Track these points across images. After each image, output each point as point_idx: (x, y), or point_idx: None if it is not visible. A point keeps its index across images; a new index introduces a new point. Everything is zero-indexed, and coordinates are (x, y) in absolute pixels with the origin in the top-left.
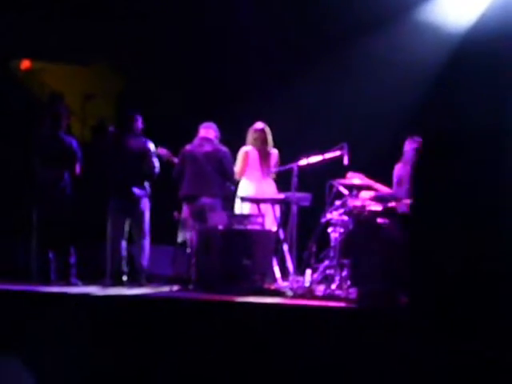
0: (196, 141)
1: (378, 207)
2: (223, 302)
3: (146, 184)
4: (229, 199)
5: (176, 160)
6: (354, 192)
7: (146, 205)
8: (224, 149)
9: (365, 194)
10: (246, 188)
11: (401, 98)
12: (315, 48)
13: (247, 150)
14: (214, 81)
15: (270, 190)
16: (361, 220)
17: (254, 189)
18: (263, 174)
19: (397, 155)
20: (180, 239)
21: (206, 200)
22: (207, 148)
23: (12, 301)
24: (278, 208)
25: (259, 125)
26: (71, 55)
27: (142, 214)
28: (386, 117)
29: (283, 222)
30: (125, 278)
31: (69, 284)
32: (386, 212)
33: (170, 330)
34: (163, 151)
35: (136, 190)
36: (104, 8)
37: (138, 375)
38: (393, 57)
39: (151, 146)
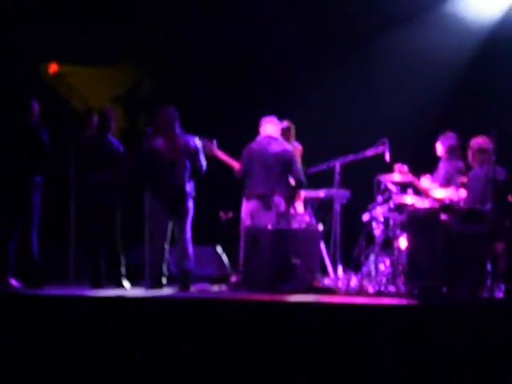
0: (262, 139)
1: (428, 203)
2: (276, 302)
3: (192, 183)
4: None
5: (218, 152)
6: (399, 188)
7: (191, 204)
8: (290, 149)
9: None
10: None
11: (430, 92)
12: (349, 42)
13: None
14: (244, 76)
15: None
16: (419, 216)
17: None
18: None
19: (429, 149)
20: None
21: (276, 199)
22: (275, 148)
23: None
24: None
25: (283, 123)
26: (98, 58)
27: (186, 213)
28: (417, 111)
29: (321, 220)
30: (164, 280)
31: (120, 286)
32: (445, 208)
33: (222, 331)
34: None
35: (185, 188)
36: (129, 11)
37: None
38: (423, 50)
39: (198, 142)
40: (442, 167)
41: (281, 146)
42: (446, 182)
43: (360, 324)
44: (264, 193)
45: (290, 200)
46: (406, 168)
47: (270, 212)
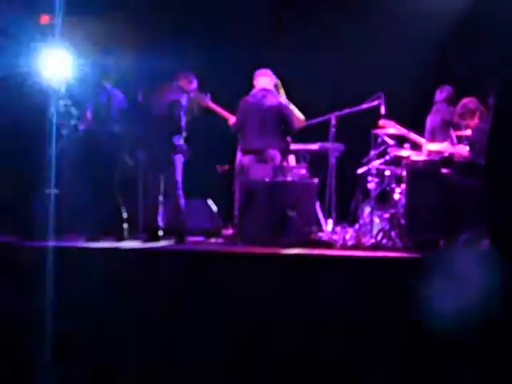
0: (257, 92)
1: (422, 157)
2: (274, 255)
3: (180, 137)
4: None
5: (211, 104)
6: (394, 142)
7: (179, 158)
8: (286, 103)
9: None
10: None
11: (428, 45)
12: None
13: None
14: (233, 29)
15: None
16: (419, 169)
17: None
18: None
19: (425, 104)
20: None
21: (271, 152)
22: (271, 101)
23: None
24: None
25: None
26: (87, 8)
27: (173, 167)
28: (413, 66)
29: (313, 174)
30: (161, 233)
31: (121, 239)
32: (444, 161)
33: (220, 283)
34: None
35: (171, 141)
36: None
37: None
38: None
39: (183, 100)
40: (428, 121)
41: (276, 99)
42: (431, 135)
43: (360, 276)
44: (259, 148)
45: (285, 153)
46: (392, 123)
47: (266, 165)
